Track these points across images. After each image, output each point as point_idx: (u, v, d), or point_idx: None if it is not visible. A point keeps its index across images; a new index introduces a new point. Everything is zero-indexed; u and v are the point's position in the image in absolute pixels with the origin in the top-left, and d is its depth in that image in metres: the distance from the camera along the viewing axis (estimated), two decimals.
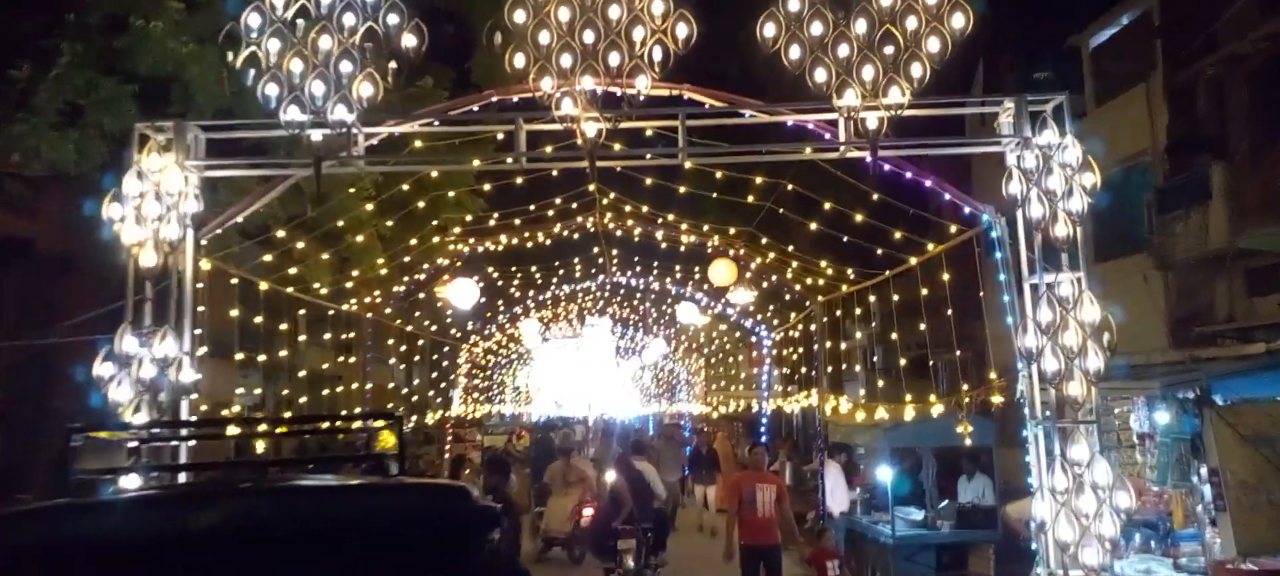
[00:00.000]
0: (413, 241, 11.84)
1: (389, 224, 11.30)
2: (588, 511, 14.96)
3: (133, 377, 7.42)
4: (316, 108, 7.74)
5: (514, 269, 17.11)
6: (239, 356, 11.93)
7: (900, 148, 8.24)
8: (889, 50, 7.92)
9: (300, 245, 10.73)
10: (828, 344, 15.38)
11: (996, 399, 9.77)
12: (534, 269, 17.26)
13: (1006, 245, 8.39)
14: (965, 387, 11.22)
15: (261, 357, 12.11)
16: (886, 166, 8.37)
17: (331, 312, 12.81)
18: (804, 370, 18.78)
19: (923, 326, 10.96)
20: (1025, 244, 8.19)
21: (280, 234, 10.29)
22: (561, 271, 17.97)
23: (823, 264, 12.94)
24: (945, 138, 8.41)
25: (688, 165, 9.35)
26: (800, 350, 18.58)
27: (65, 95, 9.11)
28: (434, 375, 21.83)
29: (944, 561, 14.40)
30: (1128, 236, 18.24)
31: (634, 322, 30.95)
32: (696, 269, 16.99)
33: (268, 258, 10.27)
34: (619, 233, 15.25)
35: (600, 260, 17.86)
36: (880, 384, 14.69)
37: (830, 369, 15.43)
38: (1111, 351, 7.78)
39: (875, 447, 15.22)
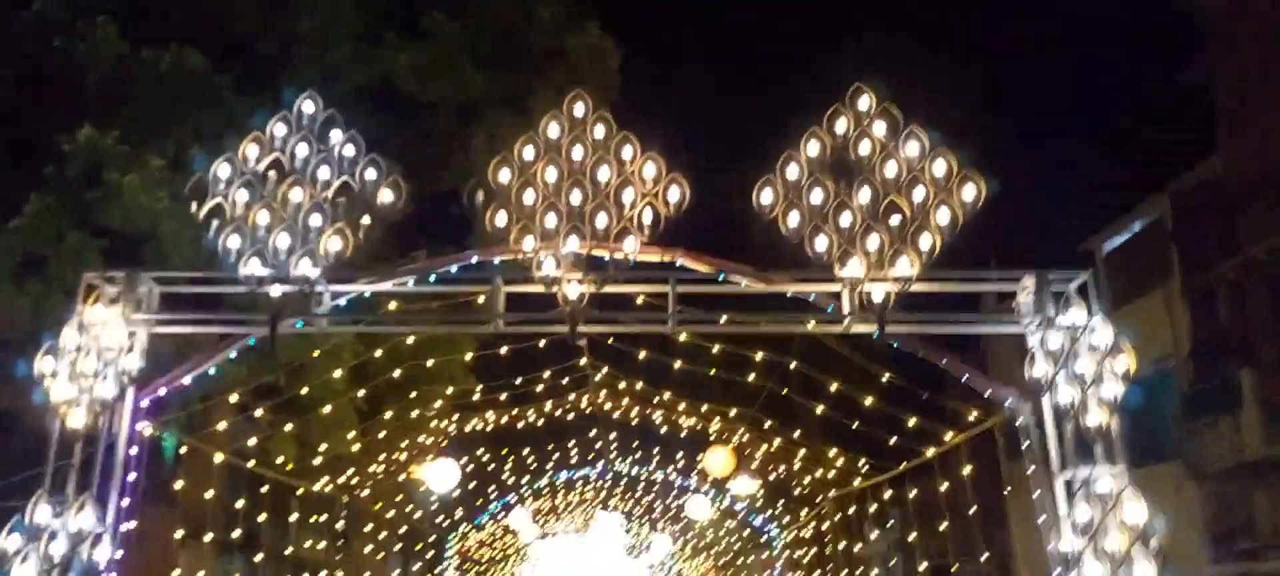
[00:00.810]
0: (388, 414, 11.05)
1: (361, 393, 10.59)
2: None
3: (40, 553, 6.53)
4: (279, 262, 7.19)
5: (504, 451, 16.19)
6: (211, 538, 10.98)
7: (910, 322, 7.55)
8: (895, 221, 7.37)
9: (259, 413, 9.98)
10: (841, 545, 14.18)
11: None
12: (526, 452, 16.33)
13: (1033, 435, 7.53)
14: None
15: (233, 541, 11.11)
16: (895, 344, 7.65)
17: (300, 491, 11.88)
18: (817, 574, 17.40)
19: (943, 527, 9.93)
20: (1054, 434, 7.35)
21: (233, 398, 9.54)
22: (556, 455, 17.01)
23: (832, 453, 12.02)
24: (959, 314, 7.70)
25: (682, 337, 8.68)
26: (813, 551, 17.26)
27: (30, 246, 8.66)
28: (417, 566, 20.45)
29: None
30: (1154, 444, 17.24)
31: (638, 517, 29.49)
32: (700, 457, 16.04)
33: (221, 425, 9.50)
34: (615, 414, 14.44)
35: (598, 444, 16.95)
36: None
37: (845, 573, 14.19)
38: (1162, 560, 6.76)
39: None
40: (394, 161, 9.21)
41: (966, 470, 9.32)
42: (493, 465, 17.35)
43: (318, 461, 10.90)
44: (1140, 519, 6.87)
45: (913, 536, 12.82)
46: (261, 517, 10.99)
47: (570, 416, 14.63)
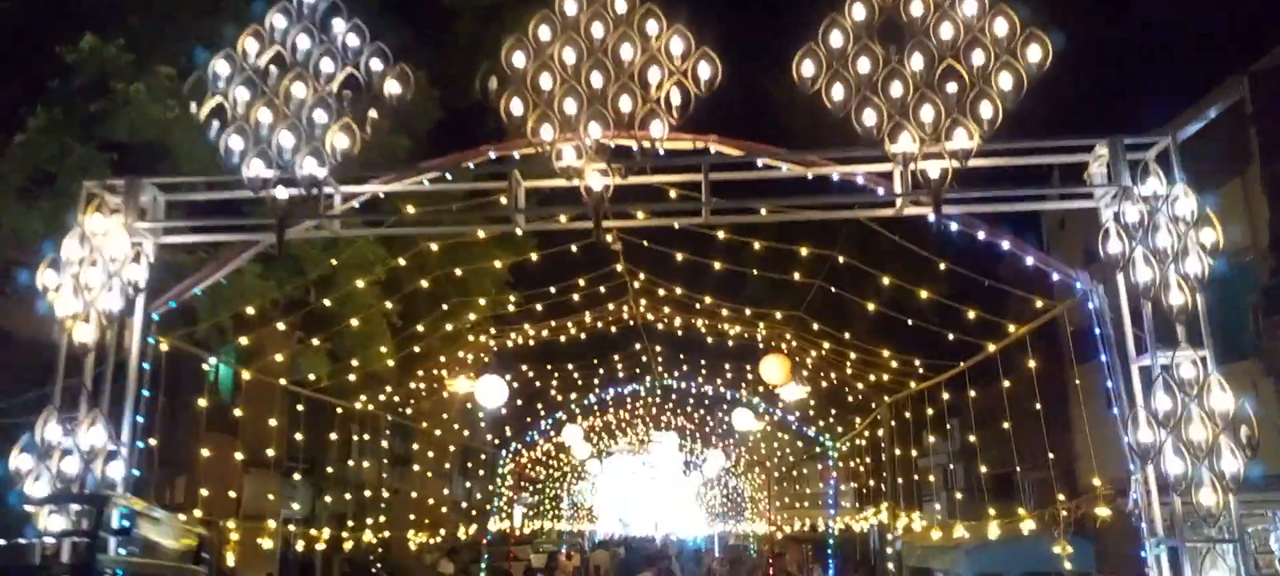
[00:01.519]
0: (420, 328, 10.69)
1: (390, 305, 10.21)
2: None
3: (52, 472, 6.30)
4: (284, 162, 6.74)
5: (549, 367, 15.86)
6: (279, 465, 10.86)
7: (969, 201, 6.85)
8: (952, 88, 6.62)
9: (282, 327, 9.68)
10: (897, 452, 13.61)
11: (1102, 512, 7.98)
12: (571, 367, 15.97)
13: (1106, 320, 6.84)
14: (1061, 498, 9.39)
15: (294, 473, 10.98)
16: (953, 226, 6.97)
17: (341, 410, 11.66)
18: (873, 483, 16.91)
19: (1006, 425, 9.29)
20: (1129, 316, 6.65)
21: (250, 310, 9.22)
22: (602, 371, 16.63)
23: (885, 354, 11.37)
24: (1022, 189, 6.97)
25: (721, 234, 8.08)
26: (868, 460, 16.75)
27: (36, 161, 8.33)
28: (468, 485, 20.47)
29: None
30: (1231, 342, 16.25)
31: (690, 432, 29.31)
32: (748, 367, 15.53)
33: (244, 340, 9.22)
34: (659, 325, 13.96)
35: (644, 359, 16.53)
36: (958, 497, 12.84)
37: (901, 481, 13.63)
38: (1253, 451, 6.10)
39: (956, 572, 13.29)
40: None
41: (1031, 364, 8.62)
42: (539, 382, 17.07)
43: (351, 378, 10.64)
44: (1227, 406, 6.20)
45: (972, 440, 12.17)
46: (317, 440, 10.83)
47: (613, 329, 14.17)
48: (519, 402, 17.78)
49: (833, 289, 9.74)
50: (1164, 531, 6.34)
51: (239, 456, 14.38)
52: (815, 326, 11.37)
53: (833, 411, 16.58)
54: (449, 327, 11.12)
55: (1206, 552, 6.12)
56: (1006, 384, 9.49)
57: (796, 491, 30.17)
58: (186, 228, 7.29)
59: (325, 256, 9.54)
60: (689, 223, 7.18)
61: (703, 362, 16.27)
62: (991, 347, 9.29)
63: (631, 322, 13.89)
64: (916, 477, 14.75)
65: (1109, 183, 6.71)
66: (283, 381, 9.85)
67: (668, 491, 52.83)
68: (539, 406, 18.95)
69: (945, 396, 11.42)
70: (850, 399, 14.57)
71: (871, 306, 9.75)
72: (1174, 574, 6.27)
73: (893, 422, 13.15)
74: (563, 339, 13.98)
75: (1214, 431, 6.14)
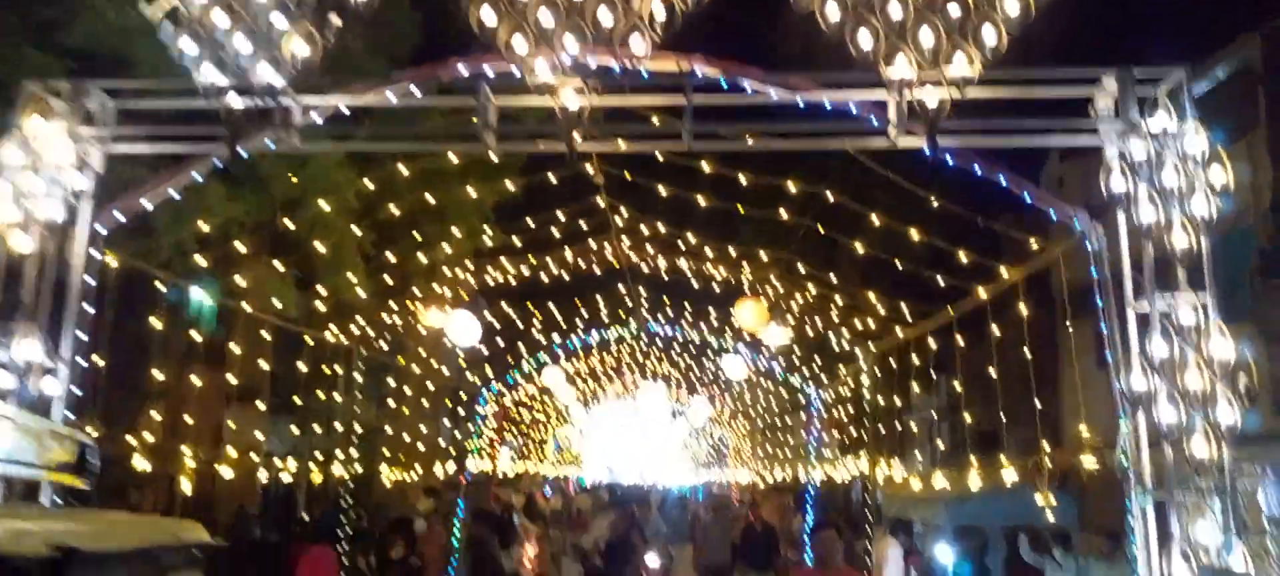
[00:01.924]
0: (392, 257, 10.30)
1: (359, 231, 9.81)
2: None
3: None
4: (240, 69, 6.31)
5: (530, 305, 15.51)
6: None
7: (967, 133, 6.47)
8: (954, 11, 6.20)
9: (242, 248, 9.29)
10: (880, 401, 13.36)
11: (1088, 462, 7.70)
12: (553, 307, 15.62)
13: (1104, 262, 6.52)
14: (1046, 448, 9.13)
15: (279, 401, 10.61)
16: (948, 160, 6.59)
17: (312, 342, 11.31)
18: (855, 432, 16.72)
19: (993, 372, 9.00)
20: (1128, 259, 6.34)
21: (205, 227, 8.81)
22: (586, 313, 16.28)
23: (872, 297, 11.04)
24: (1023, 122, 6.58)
25: (707, 168, 7.71)
26: (851, 409, 16.55)
27: None
28: (448, 423, 20.22)
29: None
30: (1228, 303, 16.02)
31: (675, 380, 29.10)
32: (733, 311, 15.22)
33: (201, 259, 8.80)
34: (643, 267, 13.61)
35: (628, 301, 16.19)
36: (941, 448, 12.63)
37: (883, 431, 13.40)
38: (1251, 401, 5.82)
39: (935, 524, 13.12)
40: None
41: (1022, 310, 8.29)
42: (521, 323, 16.74)
43: (321, 307, 10.27)
44: (1227, 355, 5.91)
45: (958, 388, 11.86)
46: (291, 373, 10.52)
47: (596, 269, 13.81)
48: (500, 342, 17.46)
49: (821, 229, 9.38)
50: (1152, 483, 6.09)
51: (195, 382, 13.81)
52: (801, 268, 11.03)
53: (817, 360, 16.32)
54: (423, 259, 10.74)
55: (1194, 506, 5.86)
56: (996, 331, 9.18)
57: (779, 440, 30.12)
58: (136, 136, 6.86)
59: (294, 176, 9.11)
60: (671, 149, 6.78)
61: (687, 307, 15.95)
62: (982, 293, 8.97)
63: (615, 263, 13.52)
64: (899, 428, 14.54)
65: (1115, 117, 6.34)
66: (246, 306, 9.47)
67: (654, 440, 52.93)
68: (521, 347, 18.64)
69: (932, 344, 11.12)
70: (835, 346, 14.28)
71: (860, 248, 9.40)
72: (1160, 527, 6.03)
73: (876, 371, 12.87)
74: (545, 277, 13.61)
75: (1211, 380, 5.86)
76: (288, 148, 6.78)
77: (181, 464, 10.21)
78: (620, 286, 15.34)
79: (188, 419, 11.43)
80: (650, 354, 24.08)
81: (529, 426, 34.22)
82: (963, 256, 8.39)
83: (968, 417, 10.78)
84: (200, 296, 14.01)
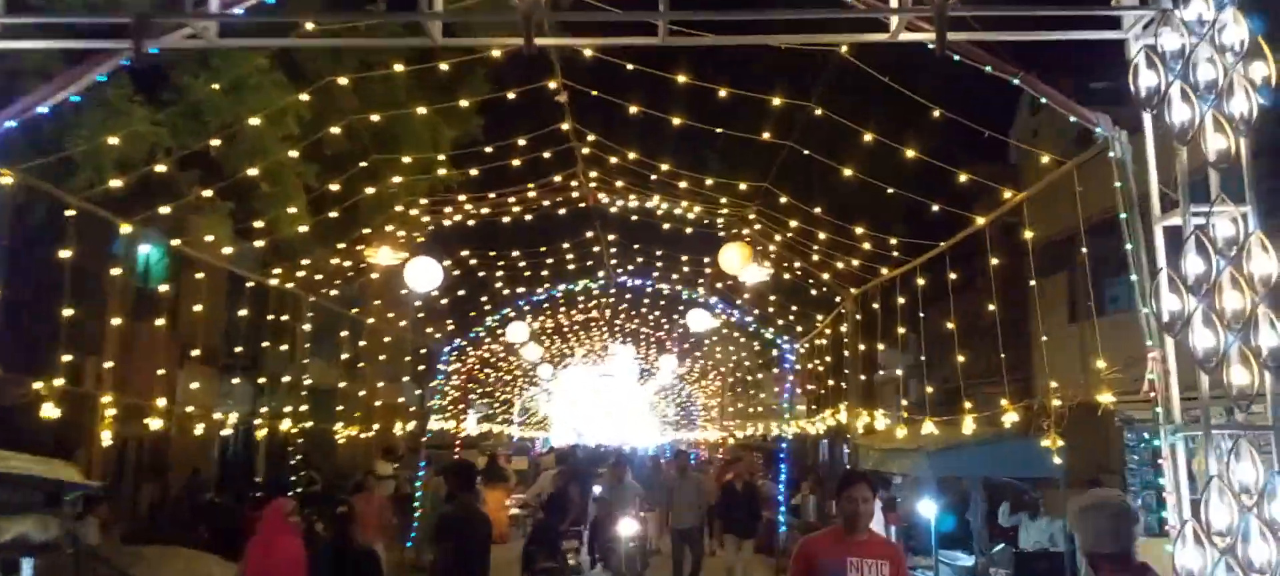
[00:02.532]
0: (337, 187, 9.40)
1: (296, 155, 8.89)
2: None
3: None
4: None
5: (493, 254, 14.65)
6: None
7: (976, 28, 5.74)
8: None
9: (161, 168, 8.35)
10: (861, 347, 12.72)
11: (1104, 398, 7.07)
12: (517, 255, 14.76)
13: (1129, 173, 5.86)
14: (1053, 386, 8.50)
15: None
16: (955, 60, 5.86)
17: (252, 285, 10.40)
18: (832, 383, 16.12)
19: (993, 309, 8.34)
20: (1155, 167, 5.68)
21: (161, 169, 7.92)
22: (552, 263, 15.44)
23: (859, 232, 10.31)
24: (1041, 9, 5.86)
25: (681, 79, 6.93)
26: (829, 359, 15.90)
27: None
28: (406, 379, 19.35)
29: None
30: (1269, 216, 15.38)
31: (646, 337, 28.41)
32: (707, 261, 14.51)
33: (116, 182, 7.85)
34: (613, 208, 12.81)
35: (596, 248, 15.39)
36: (929, 393, 12.01)
37: (864, 377, 12.77)
38: None
39: (916, 476, 12.58)
40: None
41: (1027, 236, 7.57)
42: (482, 272, 15.88)
43: (259, 244, 9.31)
44: (1269, 270, 5.26)
45: (950, 328, 11.06)
46: (236, 321, 9.62)
47: (562, 211, 12.97)
48: (461, 292, 16.60)
49: (805, 153, 8.60)
50: (1186, 417, 5.48)
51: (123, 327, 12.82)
52: (783, 199, 10.25)
53: (794, 309, 15.64)
54: (372, 192, 9.85)
55: (1234, 442, 5.25)
56: (994, 262, 8.51)
57: (750, 397, 29.63)
58: (23, 26, 5.91)
59: (227, 102, 8.18)
60: (644, 43, 5.96)
61: (659, 254, 15.17)
62: (981, 221, 8.31)
63: (582, 204, 12.71)
64: (881, 372, 13.92)
65: (1143, 5, 5.65)
66: (175, 242, 8.56)
67: (622, 401, 52.40)
68: (484, 299, 17.79)
69: (920, 282, 10.44)
70: (813, 292, 13.58)
71: (848, 173, 8.63)
72: (1192, 467, 5.43)
73: (857, 316, 12.18)
74: (507, 220, 12.76)
75: (1251, 299, 5.22)
76: (204, 42, 5.87)
77: (101, 414, 9.30)
78: (589, 232, 14.53)
79: (109, 364, 10.49)
80: (619, 310, 23.33)
81: (494, 387, 33.41)
82: (961, 177, 7.70)
83: (960, 359, 10.11)
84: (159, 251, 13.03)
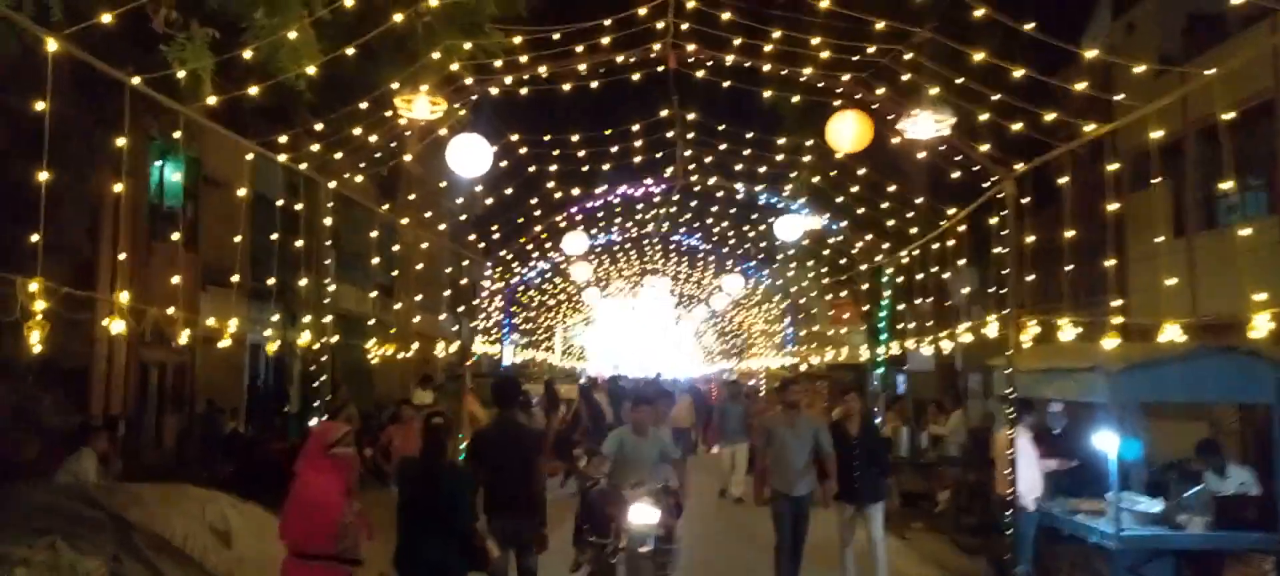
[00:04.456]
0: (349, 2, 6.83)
1: None
2: None
3: None
4: None
5: (547, 138, 12.07)
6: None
7: None
8: None
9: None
10: (1030, 238, 9.87)
11: None
12: (574, 141, 12.14)
13: None
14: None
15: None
16: None
17: (251, 157, 7.94)
18: (992, 289, 13.21)
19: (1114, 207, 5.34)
20: None
21: None
22: (615, 152, 12.78)
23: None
24: None
25: None
26: (965, 262, 12.88)
27: None
28: (447, 293, 17.03)
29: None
30: None
31: (703, 255, 25.70)
32: (811, 142, 11.85)
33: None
34: (700, 72, 10.21)
35: (670, 134, 12.80)
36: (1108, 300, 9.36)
37: (1031, 277, 9.98)
38: None
39: (1091, 398, 9.99)
40: None
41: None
42: (533, 166, 13.37)
43: (253, 92, 6.82)
44: None
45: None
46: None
47: (634, 77, 10.32)
48: (508, 191, 14.11)
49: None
50: None
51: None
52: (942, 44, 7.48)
53: (916, 200, 12.74)
54: (400, 18, 7.19)
55: None
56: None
57: (830, 318, 26.95)
58: None
59: None
60: None
61: (749, 137, 12.46)
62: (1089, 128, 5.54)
63: (661, 67, 10.12)
64: (1045, 275, 11.21)
65: None
66: (136, 80, 6.13)
67: (667, 330, 50.22)
68: (533, 203, 15.34)
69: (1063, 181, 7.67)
70: (956, 174, 10.75)
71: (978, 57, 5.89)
72: None
73: (1025, 201, 9.39)
74: (567, 86, 10.17)
75: None
76: None
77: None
78: (664, 111, 11.93)
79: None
80: (681, 221, 20.70)
81: (537, 311, 30.97)
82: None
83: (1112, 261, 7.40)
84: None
